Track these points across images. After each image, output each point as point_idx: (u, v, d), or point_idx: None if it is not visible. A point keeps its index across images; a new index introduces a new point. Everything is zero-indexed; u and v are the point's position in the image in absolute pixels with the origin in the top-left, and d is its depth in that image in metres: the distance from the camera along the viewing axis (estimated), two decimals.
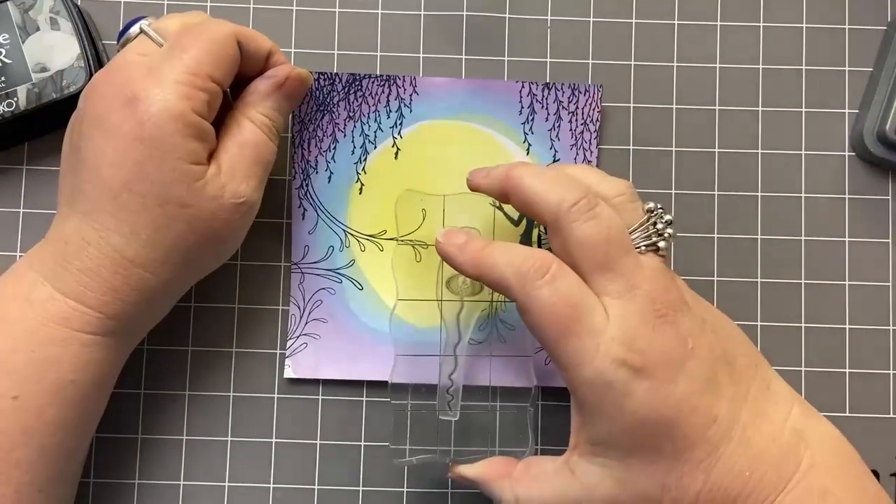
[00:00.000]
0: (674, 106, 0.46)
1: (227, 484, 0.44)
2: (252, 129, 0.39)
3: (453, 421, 0.43)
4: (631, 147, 0.46)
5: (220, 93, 0.38)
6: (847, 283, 0.45)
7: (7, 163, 0.45)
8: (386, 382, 0.43)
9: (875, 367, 0.45)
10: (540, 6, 0.46)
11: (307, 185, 0.45)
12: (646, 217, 0.36)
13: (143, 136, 0.36)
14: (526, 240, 0.43)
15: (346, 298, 0.44)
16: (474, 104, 0.45)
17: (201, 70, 0.37)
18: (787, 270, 0.45)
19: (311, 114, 0.45)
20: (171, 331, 0.43)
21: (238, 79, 0.39)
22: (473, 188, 0.39)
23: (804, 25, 0.46)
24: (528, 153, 0.45)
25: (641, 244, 0.36)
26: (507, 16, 0.46)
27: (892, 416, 0.45)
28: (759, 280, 0.45)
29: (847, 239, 0.45)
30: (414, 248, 0.43)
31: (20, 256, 0.44)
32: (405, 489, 0.44)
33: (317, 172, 0.45)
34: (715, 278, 0.45)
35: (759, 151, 0.46)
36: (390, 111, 0.45)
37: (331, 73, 0.45)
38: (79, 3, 0.45)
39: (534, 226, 0.43)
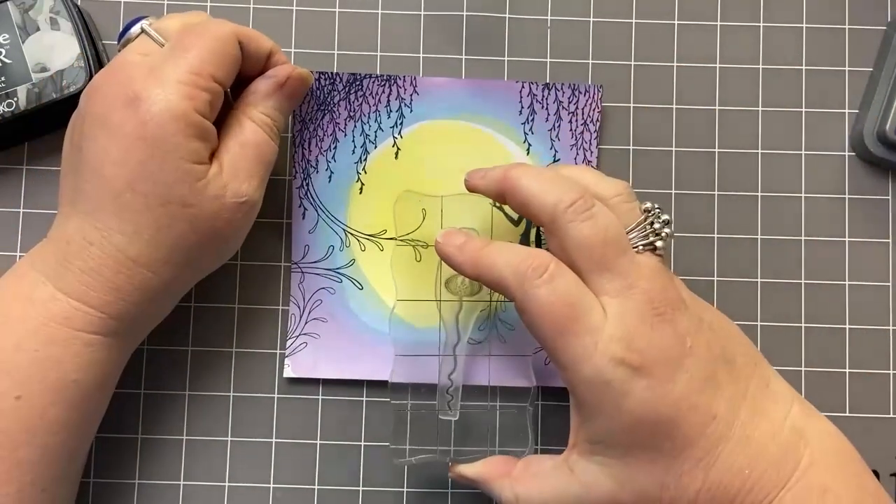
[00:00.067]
0: (674, 106, 0.46)
1: (227, 484, 0.44)
2: (253, 129, 0.39)
3: (453, 421, 0.43)
4: (631, 147, 0.46)
5: (221, 92, 0.38)
6: (847, 283, 0.45)
7: (7, 163, 0.45)
8: (386, 382, 0.43)
9: (875, 367, 0.45)
10: (540, 6, 0.46)
11: (307, 185, 0.45)
12: (643, 217, 0.36)
13: (146, 135, 0.36)
14: (525, 240, 0.43)
15: (345, 298, 0.44)
16: (474, 104, 0.45)
17: (203, 70, 0.37)
18: (787, 270, 0.45)
19: (311, 113, 0.45)
20: (171, 331, 0.43)
21: (239, 79, 0.39)
22: (471, 189, 0.39)
23: (804, 25, 0.46)
24: (528, 153, 0.45)
25: (639, 244, 0.36)
26: (507, 16, 0.46)
27: (892, 416, 0.45)
28: (759, 280, 0.45)
29: (847, 239, 0.45)
30: (414, 248, 0.44)
31: (20, 256, 0.44)
32: (405, 489, 0.44)
33: (317, 172, 0.45)
34: (715, 278, 0.45)
35: (759, 151, 0.46)
36: (391, 111, 0.45)
37: (331, 73, 0.45)
38: (79, 3, 0.45)
39: (531, 226, 0.43)
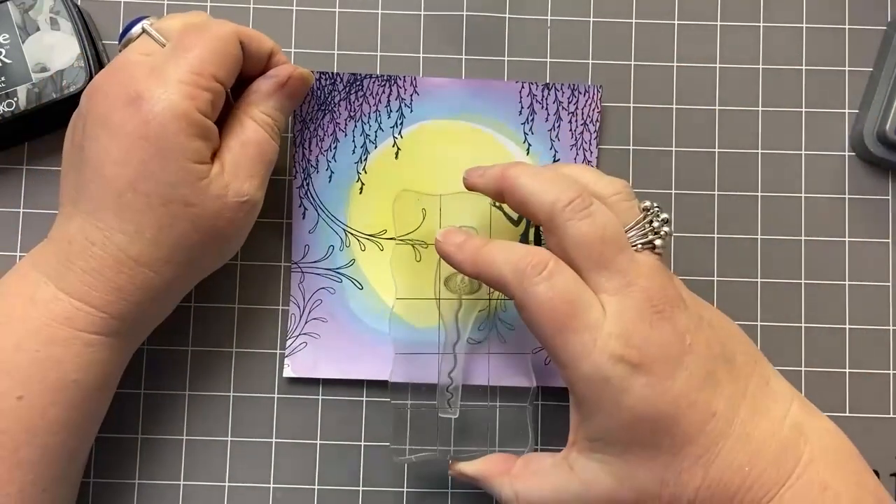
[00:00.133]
0: (674, 106, 0.46)
1: (227, 484, 0.44)
2: (255, 129, 0.39)
3: (453, 420, 0.43)
4: (631, 147, 0.46)
5: (223, 92, 0.38)
6: (847, 283, 0.45)
7: (7, 163, 0.45)
8: (386, 382, 0.43)
9: (875, 367, 0.45)
10: (540, 6, 0.46)
11: (308, 185, 0.45)
12: (642, 216, 0.37)
13: (148, 135, 0.36)
14: (525, 240, 0.43)
15: (345, 298, 0.44)
16: (474, 104, 0.45)
17: (205, 70, 0.37)
18: (787, 270, 0.45)
19: (312, 113, 0.45)
20: (171, 331, 0.43)
21: (239, 79, 0.40)
22: (469, 187, 0.40)
23: (804, 25, 0.46)
24: (528, 153, 0.45)
25: (638, 242, 0.36)
26: (507, 16, 0.46)
27: (892, 416, 0.45)
28: (759, 280, 0.45)
29: (847, 239, 0.45)
30: (414, 247, 0.44)
31: (20, 256, 0.44)
32: (405, 489, 0.44)
33: (317, 172, 0.45)
34: (715, 278, 0.45)
35: (759, 151, 0.46)
36: (391, 111, 0.45)
37: (332, 73, 0.45)
38: (79, 3, 0.45)
39: (530, 226, 0.43)
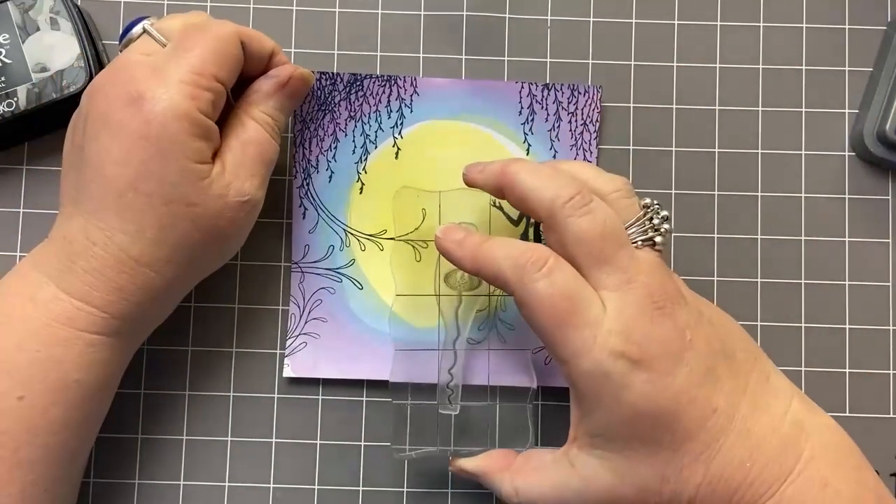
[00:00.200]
0: (674, 106, 0.46)
1: (227, 484, 0.44)
2: (255, 128, 0.39)
3: (454, 420, 0.43)
4: (631, 147, 0.46)
5: (224, 92, 0.38)
6: (847, 283, 0.45)
7: (7, 163, 0.45)
8: (386, 382, 0.43)
9: (875, 367, 0.45)
10: (540, 6, 0.46)
11: (308, 185, 0.45)
12: (642, 212, 0.37)
13: (149, 134, 0.36)
14: (524, 239, 0.43)
15: (345, 298, 0.44)
16: (474, 104, 0.45)
17: (206, 70, 0.37)
18: (787, 270, 0.45)
19: (312, 113, 0.45)
20: (171, 331, 0.43)
21: (240, 79, 0.40)
22: (469, 183, 0.40)
23: (804, 25, 0.46)
24: (528, 153, 0.45)
25: (638, 239, 0.36)
26: (507, 16, 0.46)
27: (892, 416, 0.45)
28: (759, 280, 0.45)
29: (847, 239, 0.45)
30: (413, 246, 0.44)
31: (20, 256, 0.44)
32: (405, 489, 0.44)
33: (318, 172, 0.45)
34: (715, 278, 0.45)
35: (759, 151, 0.46)
36: (391, 111, 0.45)
37: (332, 73, 0.45)
38: (79, 3, 0.45)
39: (530, 225, 0.43)
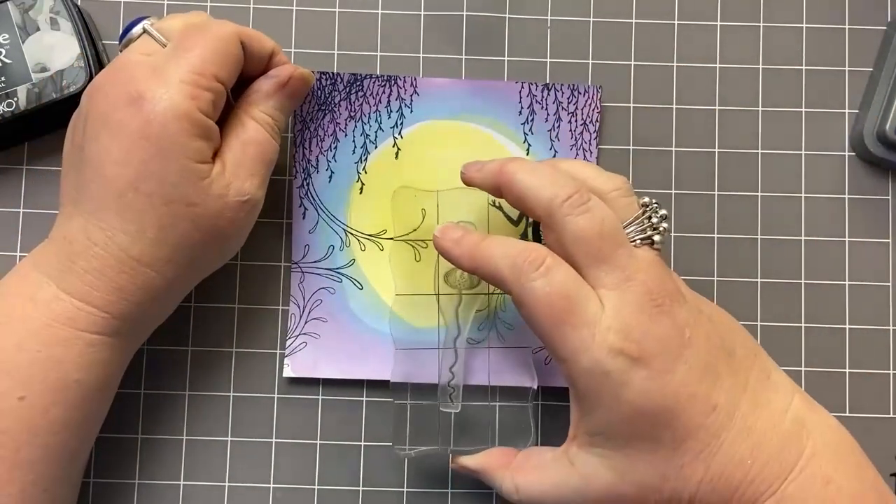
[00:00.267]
0: (674, 106, 0.46)
1: (227, 484, 0.44)
2: (255, 128, 0.39)
3: (456, 419, 0.43)
4: (631, 147, 0.46)
5: (224, 92, 0.38)
6: (847, 283, 0.45)
7: (7, 163, 0.45)
8: (386, 382, 0.43)
9: (875, 367, 0.45)
10: (540, 6, 0.46)
11: (308, 185, 0.45)
12: (641, 211, 0.37)
13: (149, 134, 0.36)
14: (524, 239, 0.43)
15: (345, 298, 0.44)
16: (474, 104, 0.45)
17: (206, 70, 0.37)
18: (787, 270, 0.45)
19: (312, 113, 0.45)
20: (171, 331, 0.43)
21: (240, 79, 0.40)
22: (467, 182, 0.40)
23: (804, 25, 0.46)
24: (528, 153, 0.45)
25: (636, 238, 0.36)
26: (507, 16, 0.46)
27: (892, 416, 0.45)
28: (759, 280, 0.45)
29: (847, 239, 0.45)
30: (413, 246, 0.44)
31: (21, 256, 0.44)
32: (405, 489, 0.44)
33: (318, 172, 0.45)
34: (715, 278, 0.45)
35: (759, 151, 0.46)
36: (391, 111, 0.45)
37: (332, 73, 0.45)
38: (79, 3, 0.45)
39: (529, 224, 0.43)
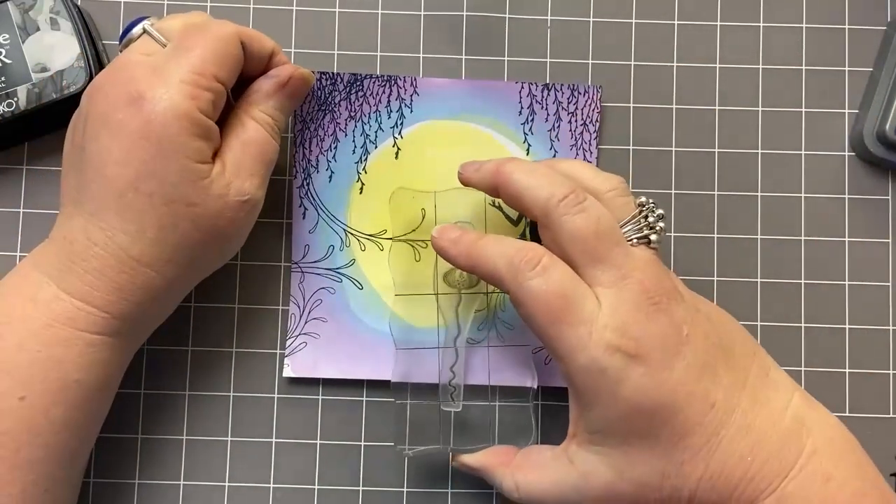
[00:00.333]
0: (674, 106, 0.46)
1: (227, 484, 0.44)
2: (255, 128, 0.39)
3: (457, 419, 0.44)
4: (631, 147, 0.46)
5: (224, 92, 0.38)
6: (847, 283, 0.45)
7: (7, 163, 0.45)
8: (386, 382, 0.43)
9: (875, 367, 0.45)
10: (540, 6, 0.46)
11: (308, 185, 0.45)
12: (637, 210, 0.37)
13: (150, 134, 0.36)
14: (524, 239, 0.43)
15: (345, 298, 0.44)
16: (474, 104, 0.45)
17: (206, 70, 0.37)
18: (787, 270, 0.45)
19: (312, 113, 0.45)
20: (171, 331, 0.43)
21: (240, 79, 0.40)
22: (464, 182, 0.40)
23: (804, 25, 0.46)
24: (528, 153, 0.45)
25: (633, 237, 0.36)
26: (507, 16, 0.46)
27: (892, 416, 0.45)
28: (759, 280, 0.45)
29: (847, 239, 0.45)
30: (413, 246, 0.44)
31: (21, 256, 0.44)
32: (405, 489, 0.44)
33: (318, 172, 0.45)
34: (715, 278, 0.45)
35: (759, 151, 0.46)
36: (391, 111, 0.45)
37: (332, 73, 0.45)
38: (79, 3, 0.45)
39: (527, 224, 0.43)
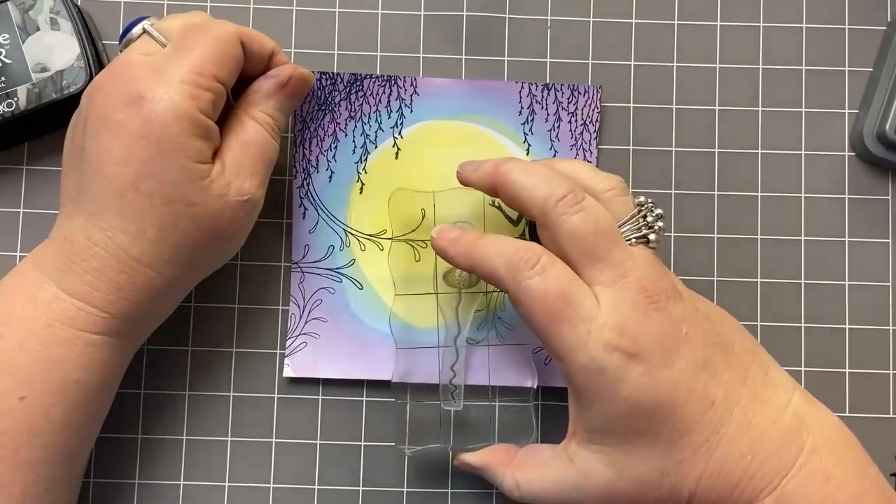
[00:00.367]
0: (674, 106, 0.46)
1: (227, 484, 0.44)
2: (255, 128, 0.39)
3: (458, 419, 0.44)
4: (631, 147, 0.46)
5: (224, 92, 0.38)
6: (847, 283, 0.45)
7: (7, 163, 0.45)
8: (386, 382, 0.43)
9: (875, 367, 0.45)
10: (540, 6, 0.46)
11: (308, 185, 0.45)
12: (636, 210, 0.37)
13: (150, 134, 0.36)
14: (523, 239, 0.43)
15: (345, 298, 0.44)
16: (474, 104, 0.45)
17: (206, 70, 0.37)
18: (787, 270, 0.45)
19: (312, 113, 0.45)
20: (171, 331, 0.43)
21: (240, 79, 0.40)
22: (463, 182, 0.40)
23: (804, 25, 0.46)
24: (528, 153, 0.45)
25: (632, 236, 0.36)
26: (507, 16, 0.46)
27: (892, 416, 0.45)
28: (759, 280, 0.45)
29: (847, 239, 0.45)
30: (413, 246, 0.44)
31: (21, 256, 0.44)
32: (405, 489, 0.44)
33: (318, 172, 0.45)
34: (715, 278, 0.45)
35: (759, 151, 0.46)
36: (391, 111, 0.45)
37: (332, 73, 0.45)
38: (79, 3, 0.45)
39: (527, 224, 0.44)
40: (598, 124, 0.45)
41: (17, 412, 0.36)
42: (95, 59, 0.43)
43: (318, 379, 0.44)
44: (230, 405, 0.44)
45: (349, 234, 0.45)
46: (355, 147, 0.45)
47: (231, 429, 0.44)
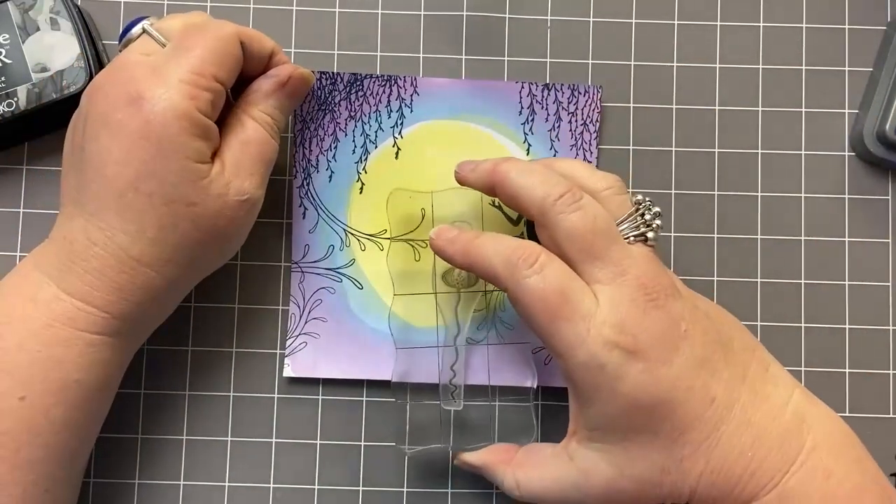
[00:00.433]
0: (674, 106, 0.46)
1: (227, 484, 0.44)
2: (255, 128, 0.39)
3: (458, 419, 0.44)
4: (631, 147, 0.46)
5: (223, 92, 0.38)
6: (847, 283, 0.45)
7: (7, 163, 0.45)
8: (386, 382, 0.43)
9: (875, 367, 0.45)
10: (540, 6, 0.46)
11: (308, 185, 0.45)
12: (634, 208, 0.37)
13: (149, 134, 0.36)
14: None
15: (345, 298, 0.44)
16: (474, 104, 0.45)
17: (206, 70, 0.37)
18: (787, 270, 0.45)
19: (312, 113, 0.45)
20: (171, 331, 0.43)
21: (240, 78, 0.40)
22: (461, 181, 0.40)
23: (804, 25, 0.46)
24: (528, 153, 0.45)
25: (630, 235, 0.37)
26: (507, 16, 0.46)
27: (892, 416, 0.45)
28: (759, 280, 0.45)
29: (847, 239, 0.45)
30: (412, 246, 0.44)
31: (21, 256, 0.44)
32: (405, 489, 0.44)
33: (318, 172, 0.45)
34: (715, 278, 0.45)
35: (759, 151, 0.46)
36: (391, 111, 0.45)
37: (332, 73, 0.45)
38: (79, 3, 0.45)
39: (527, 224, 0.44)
40: (598, 124, 0.45)
41: (17, 412, 0.36)
42: (95, 59, 0.43)
43: (318, 379, 0.44)
44: (230, 405, 0.44)
45: (349, 234, 0.45)
46: (355, 147, 0.45)
47: (231, 429, 0.44)
